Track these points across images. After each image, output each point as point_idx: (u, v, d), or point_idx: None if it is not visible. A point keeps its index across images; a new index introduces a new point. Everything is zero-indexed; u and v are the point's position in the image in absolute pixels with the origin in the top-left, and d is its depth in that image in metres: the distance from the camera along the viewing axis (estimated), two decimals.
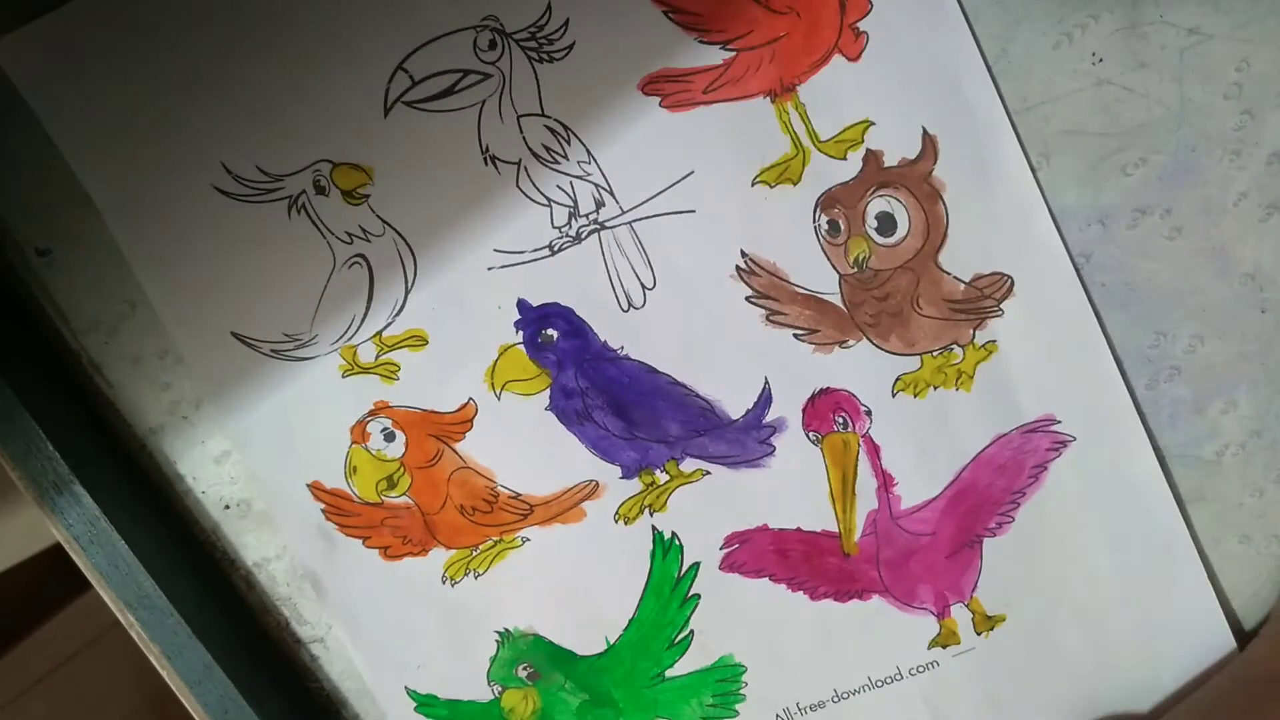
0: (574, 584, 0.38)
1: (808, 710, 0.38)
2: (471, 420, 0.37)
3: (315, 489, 0.38)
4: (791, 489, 0.37)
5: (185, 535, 0.39)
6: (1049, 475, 0.35)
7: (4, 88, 0.36)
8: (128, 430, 0.39)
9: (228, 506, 0.39)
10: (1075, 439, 0.35)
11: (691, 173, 0.34)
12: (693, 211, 0.35)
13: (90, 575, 0.37)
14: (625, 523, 0.38)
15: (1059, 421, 0.35)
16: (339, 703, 0.41)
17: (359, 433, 0.37)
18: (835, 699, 0.38)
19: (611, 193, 0.35)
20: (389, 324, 0.36)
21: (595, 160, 0.35)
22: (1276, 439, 0.35)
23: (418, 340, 0.36)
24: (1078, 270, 0.34)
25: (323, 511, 0.38)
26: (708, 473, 0.37)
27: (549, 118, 0.34)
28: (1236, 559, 0.36)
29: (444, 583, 0.38)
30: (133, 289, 0.37)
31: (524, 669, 0.39)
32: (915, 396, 0.35)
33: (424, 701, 0.40)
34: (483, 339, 0.36)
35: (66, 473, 0.36)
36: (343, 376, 0.37)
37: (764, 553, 0.37)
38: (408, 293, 0.36)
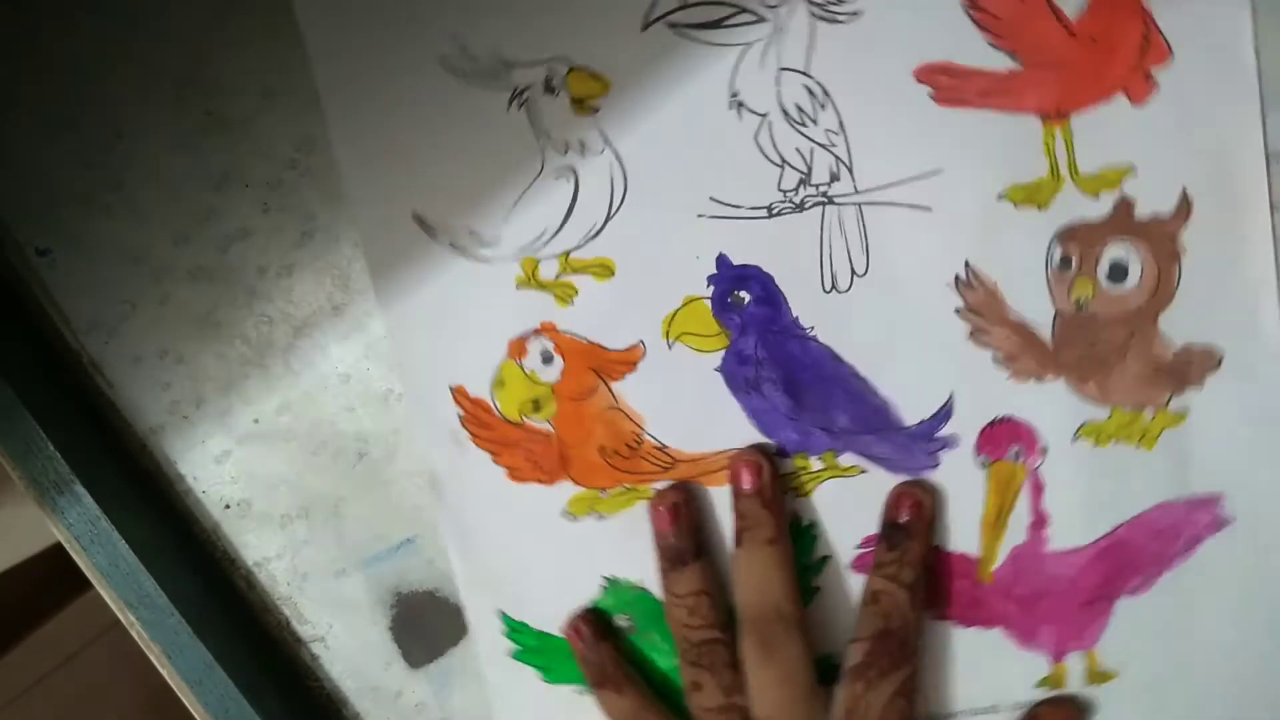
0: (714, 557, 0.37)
1: None
2: (636, 363, 0.36)
3: (458, 393, 0.37)
4: (944, 506, 0.36)
5: (186, 535, 0.39)
6: (1201, 549, 0.35)
7: (4, 86, 0.36)
8: (128, 430, 0.39)
9: (228, 506, 0.39)
10: (1237, 521, 0.34)
11: (940, 171, 0.33)
12: (928, 209, 0.33)
13: (91, 575, 0.37)
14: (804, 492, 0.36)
15: (1227, 501, 0.34)
16: (339, 702, 0.41)
17: (517, 348, 0.36)
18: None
19: (850, 170, 0.33)
20: (580, 246, 0.35)
21: (845, 133, 0.33)
22: None
23: (604, 269, 0.35)
24: None
25: (460, 417, 0.37)
26: (864, 471, 0.36)
27: (810, 78, 0.33)
28: None
29: (564, 516, 0.37)
30: (133, 289, 0.37)
31: (624, 619, 0.38)
32: (1095, 444, 0.34)
33: (515, 628, 0.39)
34: (671, 284, 0.35)
35: (67, 472, 0.36)
36: (516, 288, 0.35)
37: None
38: (608, 219, 0.34)
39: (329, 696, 0.41)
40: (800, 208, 0.34)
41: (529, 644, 0.39)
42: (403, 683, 0.40)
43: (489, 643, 0.39)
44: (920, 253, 0.34)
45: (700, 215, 0.34)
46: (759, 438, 0.36)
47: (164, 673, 0.38)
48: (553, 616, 0.39)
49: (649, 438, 0.36)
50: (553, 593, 0.38)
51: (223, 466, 0.39)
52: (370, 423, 0.38)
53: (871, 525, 0.36)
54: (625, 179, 0.34)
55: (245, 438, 0.38)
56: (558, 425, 0.37)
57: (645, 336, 0.36)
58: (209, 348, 0.38)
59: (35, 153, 0.37)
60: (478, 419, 0.37)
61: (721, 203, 0.34)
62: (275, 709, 0.38)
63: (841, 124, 0.33)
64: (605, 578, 0.38)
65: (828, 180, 0.34)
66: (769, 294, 0.35)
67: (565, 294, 0.35)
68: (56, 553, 0.39)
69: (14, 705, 0.70)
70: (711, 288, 0.35)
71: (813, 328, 0.35)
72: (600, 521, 0.37)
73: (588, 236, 0.35)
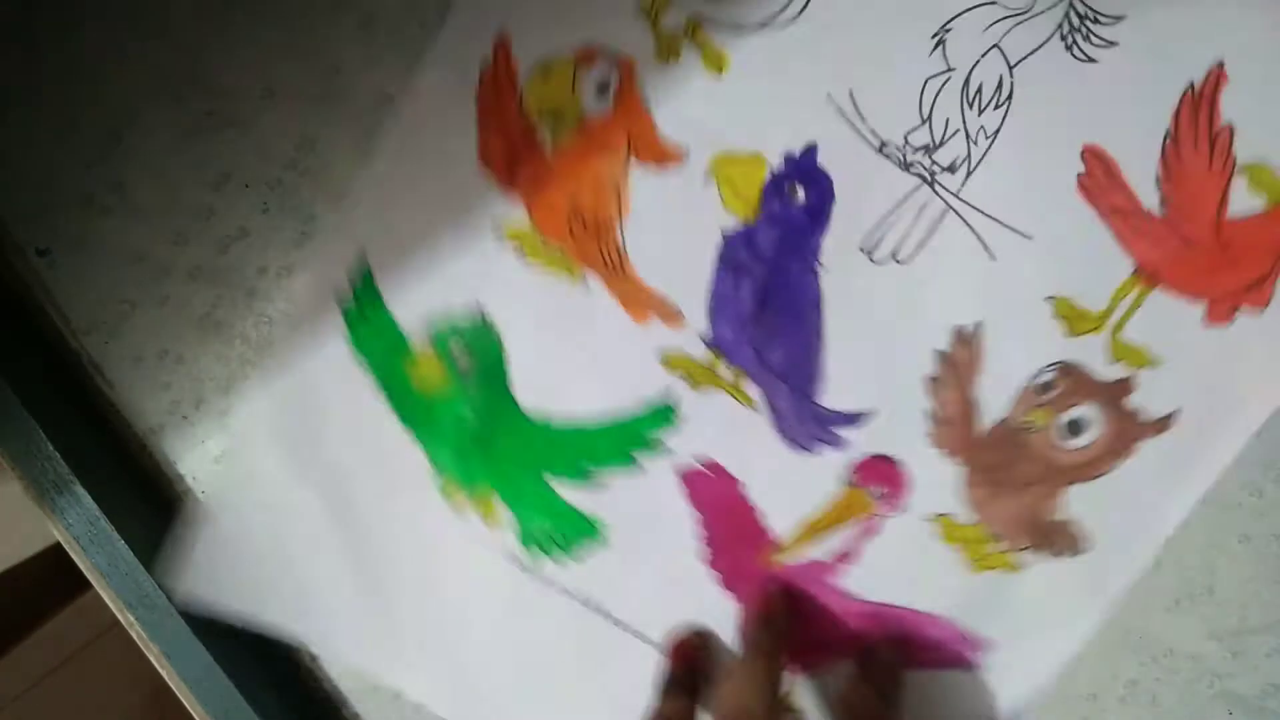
0: (568, 361, 0.36)
1: None
2: (666, 163, 0.34)
3: (500, 43, 0.34)
4: (789, 485, 0.36)
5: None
6: (940, 675, 0.36)
7: (4, 86, 0.36)
8: (128, 430, 0.39)
9: None
10: (983, 671, 0.35)
11: (1030, 238, 0.33)
12: (993, 259, 0.33)
13: (90, 575, 0.37)
14: (668, 368, 0.35)
15: (992, 651, 0.35)
16: (339, 702, 0.41)
17: (585, 56, 0.34)
18: None
19: (969, 174, 0.32)
20: (720, 22, 0.33)
21: (991, 141, 0.32)
22: None
23: (716, 61, 0.33)
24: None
25: (482, 69, 0.34)
26: (755, 410, 0.35)
27: (1011, 75, 0.32)
28: None
29: (494, 227, 0.35)
30: (133, 289, 0.37)
31: (459, 348, 0.36)
32: (941, 535, 0.35)
33: (365, 284, 0.36)
34: (748, 129, 0.33)
35: (67, 472, 0.36)
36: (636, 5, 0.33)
37: (715, 497, 0.36)
38: (769, 22, 0.33)
39: (328, 697, 0.41)
40: (905, 167, 0.33)
41: (370, 302, 0.36)
42: None
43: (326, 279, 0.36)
44: (955, 282, 0.33)
45: (831, 94, 0.33)
46: (701, 312, 0.35)
47: (163, 673, 0.38)
48: (411, 297, 0.36)
49: (619, 234, 0.35)
50: (440, 273, 0.36)
51: (223, 466, 0.39)
52: None
53: (724, 454, 0.36)
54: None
55: None
56: (556, 153, 0.35)
57: (692, 151, 0.34)
58: (209, 348, 0.38)
59: (35, 153, 0.37)
60: (496, 84, 0.34)
61: (854, 107, 0.33)
62: (275, 709, 0.38)
63: (996, 132, 0.32)
64: (479, 307, 0.36)
65: (945, 166, 0.33)
66: (820, 211, 0.33)
67: (668, 50, 0.33)
68: (56, 553, 0.39)
69: (14, 705, 0.70)
70: (781, 164, 0.33)
71: (825, 267, 0.34)
72: (522, 262, 0.35)
73: (746, 16, 0.32)
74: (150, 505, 0.39)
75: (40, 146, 0.37)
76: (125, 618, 0.37)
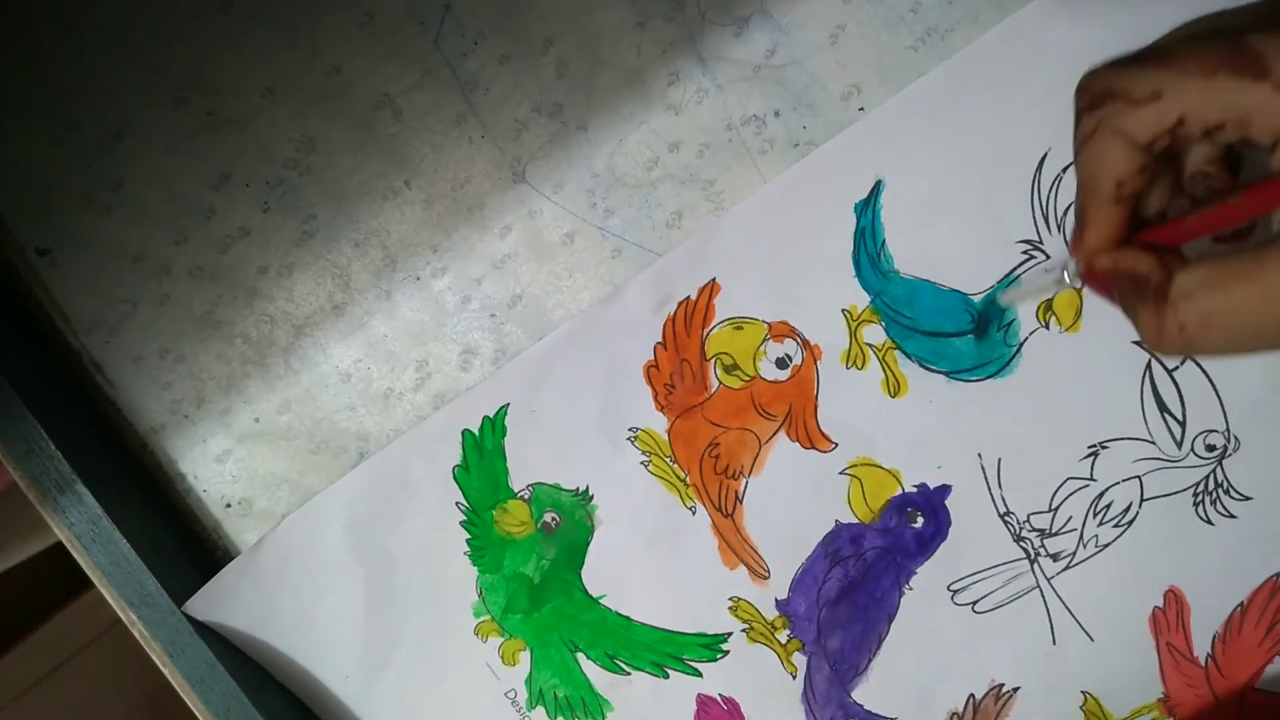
0: (647, 568, 0.38)
1: None
2: (815, 448, 0.37)
3: (710, 288, 0.37)
4: None
5: (187, 533, 0.39)
6: None
7: (4, 86, 0.36)
8: (129, 429, 0.39)
9: (229, 505, 0.39)
10: None
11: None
12: (1054, 644, 0.38)
13: (92, 574, 0.37)
14: (735, 614, 0.38)
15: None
16: None
17: (782, 329, 0.37)
18: None
19: (1067, 568, 0.37)
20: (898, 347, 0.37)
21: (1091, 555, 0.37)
22: None
23: (895, 387, 0.37)
24: None
25: (690, 298, 0.37)
26: (793, 680, 0.38)
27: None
28: None
29: (629, 431, 0.38)
30: (133, 288, 0.37)
31: (551, 516, 0.38)
32: None
33: (497, 427, 0.38)
34: (909, 446, 0.37)
35: (68, 472, 0.36)
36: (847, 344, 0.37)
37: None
38: (989, 369, 0.37)
39: None
40: (1016, 539, 0.37)
41: (472, 456, 0.38)
42: None
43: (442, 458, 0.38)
44: (1013, 647, 0.37)
45: (982, 454, 0.37)
46: (786, 579, 0.38)
47: (165, 671, 0.38)
48: (535, 467, 0.38)
49: (743, 485, 0.38)
50: (558, 454, 0.38)
51: (224, 465, 0.39)
52: (370, 422, 0.38)
53: (745, 700, 0.38)
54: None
55: (246, 437, 0.39)
56: (720, 395, 0.37)
57: (840, 445, 0.37)
58: (210, 347, 0.38)
59: (35, 153, 0.37)
60: (690, 318, 0.37)
61: (997, 472, 0.37)
62: (276, 707, 0.38)
63: (1106, 546, 0.37)
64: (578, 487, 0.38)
65: (1050, 553, 0.37)
66: (930, 542, 0.37)
67: (857, 357, 0.37)
68: (57, 552, 0.39)
69: (15, 704, 0.70)
70: (914, 489, 0.37)
71: (912, 589, 0.37)
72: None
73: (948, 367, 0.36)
74: (151, 504, 0.39)
75: (40, 146, 0.37)
76: (127, 616, 0.37)
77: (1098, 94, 0.24)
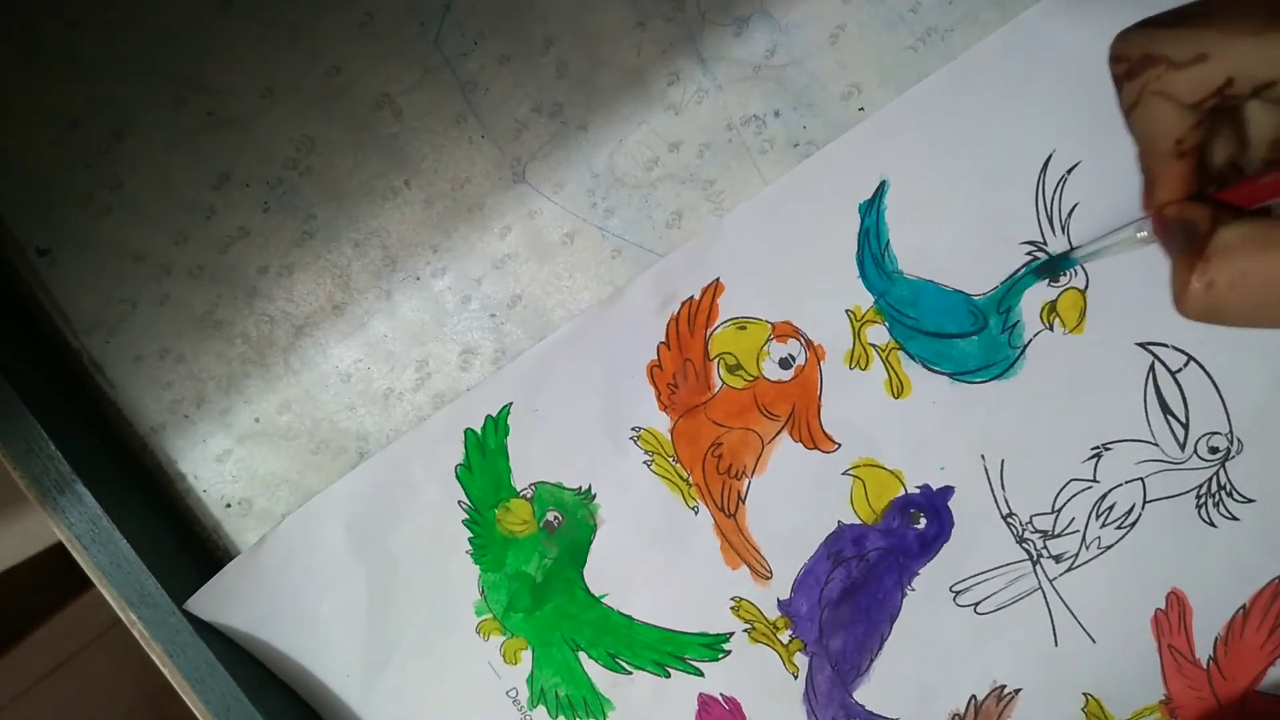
0: (649, 567, 0.38)
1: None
2: (819, 448, 0.37)
3: (715, 287, 0.37)
4: None
5: (187, 533, 0.39)
6: None
7: (4, 86, 0.36)
8: (129, 429, 0.39)
9: (229, 505, 0.39)
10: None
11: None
12: (1055, 645, 0.38)
13: (92, 574, 0.37)
14: (737, 614, 0.38)
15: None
16: None
17: (785, 330, 0.37)
18: None
19: (1070, 570, 0.37)
20: (897, 344, 0.36)
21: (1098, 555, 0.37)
22: None
23: (899, 387, 0.37)
24: None
25: (693, 298, 0.37)
26: (795, 677, 0.38)
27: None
28: None
29: (631, 430, 0.38)
30: (133, 288, 0.37)
31: (554, 514, 0.38)
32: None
33: (499, 427, 0.38)
34: (911, 447, 0.37)
35: (68, 472, 0.36)
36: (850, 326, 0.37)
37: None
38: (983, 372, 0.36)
39: None
40: (1019, 540, 0.37)
41: (473, 454, 0.38)
42: None
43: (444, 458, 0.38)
44: (1015, 649, 0.37)
45: (985, 456, 0.37)
46: (788, 580, 0.38)
47: (165, 671, 0.38)
48: (537, 463, 0.38)
49: (745, 485, 0.38)
50: (558, 450, 0.38)
51: (224, 465, 0.39)
52: (371, 422, 0.38)
53: (746, 700, 0.38)
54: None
55: (246, 437, 0.39)
56: (723, 394, 0.37)
57: (843, 446, 0.37)
58: (210, 347, 0.38)
59: (35, 153, 0.37)
60: (694, 317, 0.37)
61: (1000, 474, 0.37)
62: (276, 707, 0.38)
63: (1109, 548, 0.37)
64: (581, 486, 0.38)
65: (1053, 554, 0.37)
66: (933, 543, 0.37)
67: (860, 357, 0.37)
68: (57, 552, 0.39)
69: (14, 705, 0.70)
70: (917, 490, 0.37)
71: (914, 590, 0.37)
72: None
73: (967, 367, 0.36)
74: (151, 504, 0.39)
75: (40, 146, 0.37)
76: (127, 616, 0.37)
77: (1136, 60, 0.24)
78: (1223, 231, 0.23)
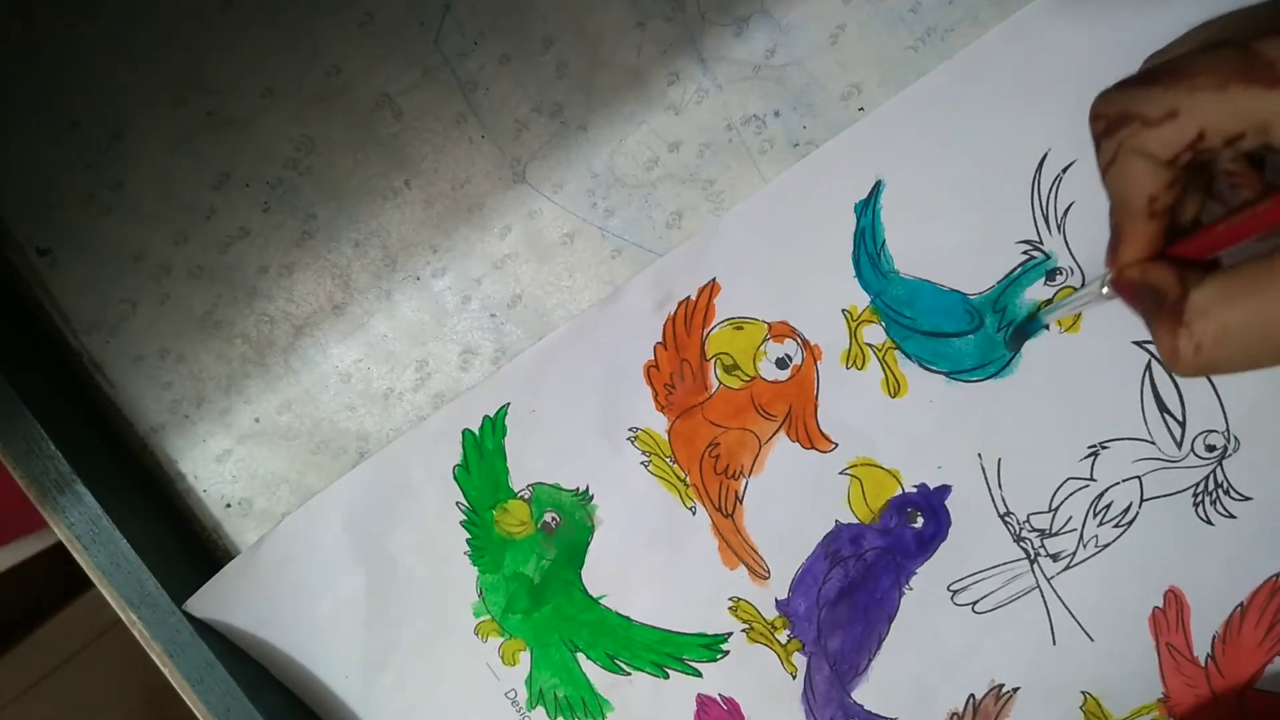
0: (647, 568, 0.38)
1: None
2: (816, 448, 0.37)
3: (712, 287, 0.37)
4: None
5: (187, 533, 0.39)
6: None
7: (4, 86, 0.36)
8: (129, 429, 0.39)
9: (229, 505, 0.39)
10: None
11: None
12: (1054, 644, 0.38)
13: (92, 574, 0.37)
14: (734, 614, 0.38)
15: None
16: None
17: (782, 330, 0.37)
18: None
19: (1067, 569, 0.37)
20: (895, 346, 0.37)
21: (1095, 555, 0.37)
22: None
23: (895, 387, 0.37)
24: None
25: (689, 298, 0.37)
26: (794, 677, 0.38)
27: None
28: None
29: (628, 429, 0.38)
30: (133, 288, 0.37)
31: (551, 516, 0.38)
32: None
33: (497, 428, 0.38)
34: (909, 447, 0.37)
35: (68, 472, 0.36)
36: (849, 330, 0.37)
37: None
38: (987, 370, 0.37)
39: None
40: (1016, 539, 0.37)
41: (471, 455, 0.38)
42: None
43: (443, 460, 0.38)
44: (1013, 648, 0.37)
45: (982, 455, 0.37)
46: (786, 580, 0.38)
47: (165, 671, 0.38)
48: (532, 465, 0.38)
49: (743, 485, 0.38)
50: (556, 449, 0.38)
51: (224, 465, 0.39)
52: (371, 422, 0.38)
53: (745, 700, 0.38)
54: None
55: (246, 436, 0.39)
56: (720, 395, 0.37)
57: (840, 446, 0.37)
58: (210, 347, 0.38)
59: (35, 153, 0.37)
60: (691, 318, 0.37)
61: (997, 473, 0.37)
62: (276, 707, 0.38)
63: (1106, 546, 0.37)
64: (577, 488, 0.38)
65: (1050, 553, 0.37)
66: (930, 542, 0.37)
67: (857, 357, 0.37)
68: (57, 552, 0.39)
69: (14, 705, 0.70)
70: (914, 489, 0.37)
71: (912, 589, 0.38)
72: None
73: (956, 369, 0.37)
74: (151, 504, 0.39)
75: (40, 146, 0.37)
76: (127, 616, 0.37)
77: (1113, 119, 0.25)
78: (1195, 294, 0.24)
